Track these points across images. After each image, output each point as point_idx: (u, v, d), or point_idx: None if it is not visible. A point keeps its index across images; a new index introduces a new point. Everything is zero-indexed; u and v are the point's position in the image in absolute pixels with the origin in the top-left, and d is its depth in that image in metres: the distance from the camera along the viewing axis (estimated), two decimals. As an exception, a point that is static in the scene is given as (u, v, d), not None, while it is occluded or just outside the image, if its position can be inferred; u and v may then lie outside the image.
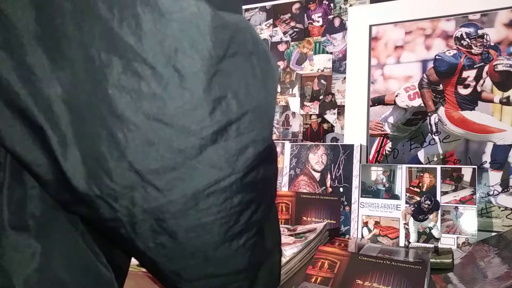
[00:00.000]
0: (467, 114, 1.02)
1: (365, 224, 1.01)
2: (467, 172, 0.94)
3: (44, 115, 0.27)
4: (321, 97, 1.22)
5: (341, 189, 1.05)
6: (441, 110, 1.04)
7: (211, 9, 0.28)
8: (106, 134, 0.26)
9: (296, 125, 1.25)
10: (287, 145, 1.16)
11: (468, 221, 0.91)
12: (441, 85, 1.05)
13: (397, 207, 0.98)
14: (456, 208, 0.92)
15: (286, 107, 1.27)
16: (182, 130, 0.27)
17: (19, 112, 0.27)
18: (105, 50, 0.26)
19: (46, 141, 0.27)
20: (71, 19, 0.26)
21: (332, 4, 1.23)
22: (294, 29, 1.28)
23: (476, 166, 0.94)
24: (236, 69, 0.29)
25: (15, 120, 0.27)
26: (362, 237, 1.00)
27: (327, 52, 1.23)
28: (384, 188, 1.01)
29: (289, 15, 1.29)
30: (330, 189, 1.07)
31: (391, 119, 1.11)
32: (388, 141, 1.11)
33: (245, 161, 0.30)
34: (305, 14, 1.27)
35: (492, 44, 1.00)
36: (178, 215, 0.29)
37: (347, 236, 1.02)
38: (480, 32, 1.02)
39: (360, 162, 1.05)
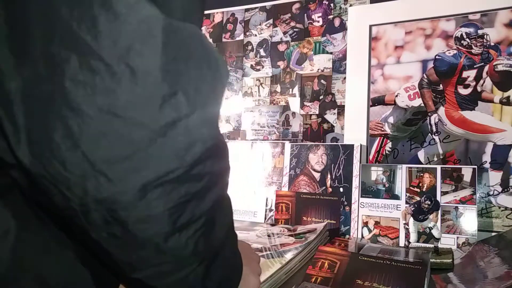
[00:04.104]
0: (467, 114, 1.02)
1: (365, 224, 1.01)
2: (467, 172, 0.94)
3: (2, 107, 0.29)
4: (321, 97, 1.22)
5: (341, 189, 1.05)
6: (441, 110, 1.04)
7: (163, 15, 0.30)
8: (60, 124, 0.28)
9: (296, 125, 1.25)
10: (287, 145, 1.16)
11: (468, 221, 0.91)
12: (441, 85, 1.05)
13: (397, 207, 0.98)
14: (456, 208, 0.92)
15: (286, 107, 1.27)
16: (132, 123, 0.29)
17: None
18: (64, 48, 0.28)
19: (3, 130, 0.29)
20: (36, 20, 0.28)
21: (332, 4, 1.23)
22: (294, 29, 1.28)
23: (476, 166, 0.94)
24: (186, 71, 0.32)
25: None
26: (362, 237, 1.00)
27: (327, 52, 1.23)
28: (384, 188, 1.01)
29: (289, 15, 1.29)
30: (330, 189, 1.07)
31: (391, 119, 1.11)
32: (388, 141, 1.11)
33: (193, 156, 0.32)
34: (305, 14, 1.27)
35: (492, 44, 1.00)
36: (128, 205, 0.30)
37: (347, 236, 1.02)
38: (480, 32, 1.02)
39: (360, 162, 1.05)
